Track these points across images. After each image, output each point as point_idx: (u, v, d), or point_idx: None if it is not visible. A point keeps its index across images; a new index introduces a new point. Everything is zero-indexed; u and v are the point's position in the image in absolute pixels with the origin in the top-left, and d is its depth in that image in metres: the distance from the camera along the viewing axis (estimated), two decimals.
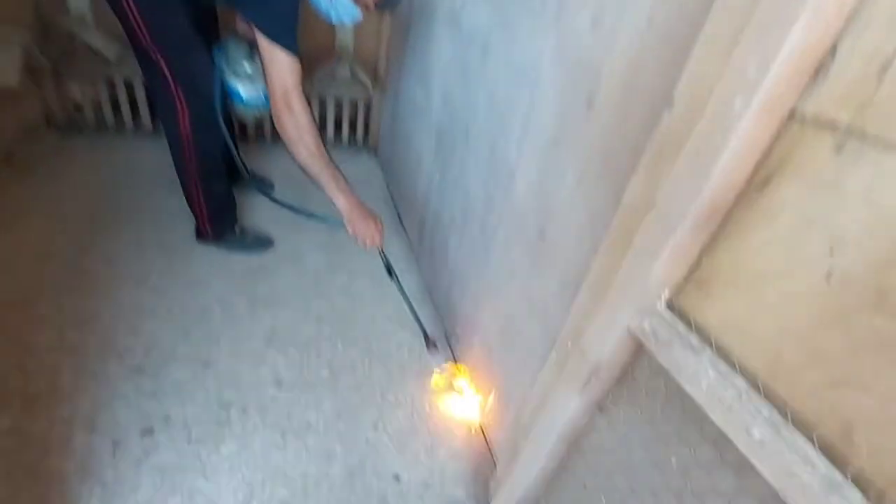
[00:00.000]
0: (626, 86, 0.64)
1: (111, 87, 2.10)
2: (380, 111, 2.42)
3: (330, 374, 1.31)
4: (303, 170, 1.27)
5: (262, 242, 1.69)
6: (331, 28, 2.25)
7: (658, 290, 0.54)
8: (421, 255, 1.74)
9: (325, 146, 1.28)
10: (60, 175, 1.86)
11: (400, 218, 2.01)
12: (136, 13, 1.14)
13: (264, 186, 1.93)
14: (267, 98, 1.30)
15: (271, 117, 1.24)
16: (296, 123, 1.19)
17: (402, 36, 1.95)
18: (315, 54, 2.32)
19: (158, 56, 1.22)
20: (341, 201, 1.30)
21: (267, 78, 1.17)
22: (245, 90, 1.40)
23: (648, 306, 0.55)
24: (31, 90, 1.94)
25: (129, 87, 2.11)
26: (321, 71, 2.28)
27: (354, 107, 2.47)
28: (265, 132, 2.40)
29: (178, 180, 1.48)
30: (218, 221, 1.58)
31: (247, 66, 1.39)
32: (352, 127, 2.55)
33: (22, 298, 1.34)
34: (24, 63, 1.74)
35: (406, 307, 1.44)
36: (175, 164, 1.45)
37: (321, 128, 2.49)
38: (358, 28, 2.28)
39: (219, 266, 1.57)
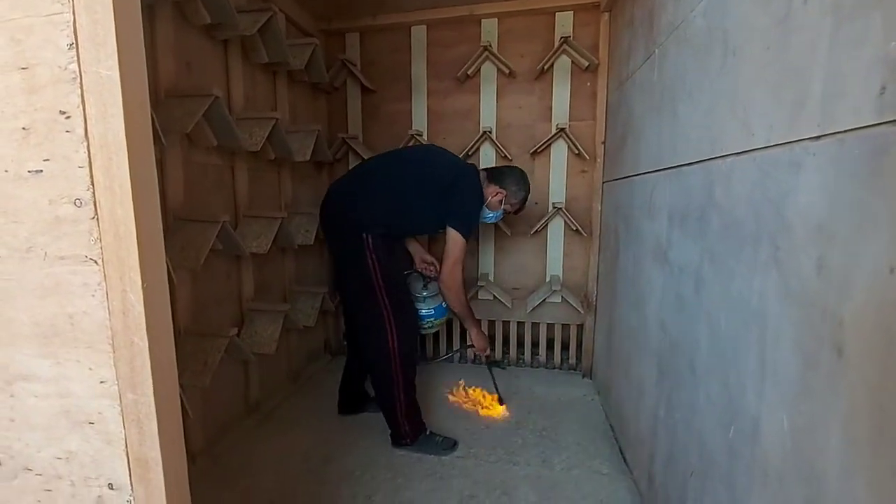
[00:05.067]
0: (884, 335, 0.53)
1: None
2: (593, 334, 2.44)
3: None
4: (453, 310, 1.92)
5: (451, 443, 1.84)
6: (541, 258, 2.56)
7: None
8: None
9: (467, 297, 1.96)
10: (326, 390, 2.31)
11: (622, 452, 1.79)
12: (376, 270, 1.68)
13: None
14: (437, 312, 1.98)
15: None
16: (456, 279, 1.80)
17: (612, 264, 2.07)
18: (528, 283, 2.61)
19: (383, 293, 1.70)
20: (473, 331, 2.00)
21: (447, 252, 1.76)
22: (422, 308, 1.96)
23: None
24: (319, 326, 2.63)
25: None
26: (533, 297, 2.51)
27: (566, 330, 2.56)
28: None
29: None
30: (415, 425, 1.82)
31: (424, 292, 1.97)
32: (564, 349, 2.60)
33: (279, 496, 1.58)
34: (320, 308, 2.42)
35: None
36: (382, 382, 1.77)
37: (534, 351, 2.62)
38: (567, 256, 2.53)
39: (433, 496, 1.60)
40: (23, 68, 0.63)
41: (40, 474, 0.74)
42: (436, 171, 1.79)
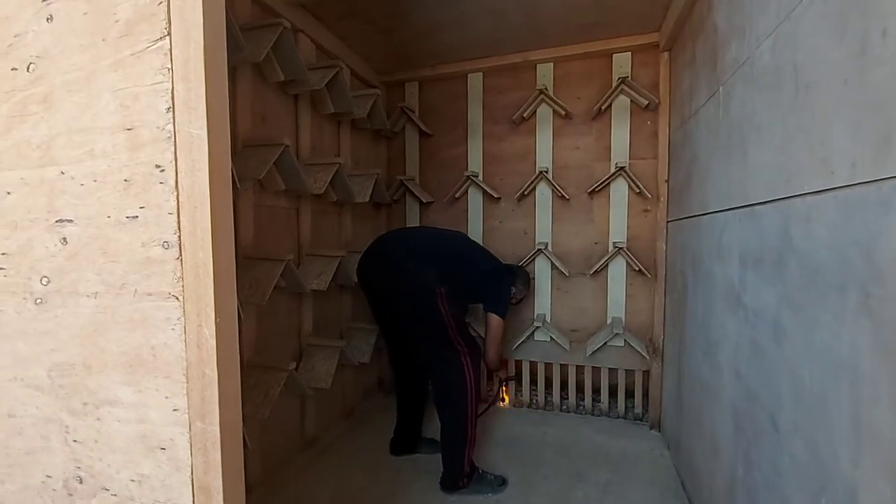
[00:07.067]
0: None
1: None
2: (661, 382, 2.28)
3: None
4: (487, 360, 2.13)
5: (501, 480, 1.87)
6: (601, 299, 2.46)
7: None
8: None
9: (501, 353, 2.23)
10: (380, 427, 2.31)
11: None
12: (450, 319, 1.80)
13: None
14: None
15: None
16: (497, 351, 2.11)
17: (679, 306, 1.95)
18: (587, 325, 2.51)
19: (458, 337, 1.82)
20: (505, 371, 2.41)
21: (493, 334, 2.05)
22: None
23: None
24: (373, 364, 2.65)
25: None
26: (594, 340, 2.40)
27: (631, 376, 2.42)
28: None
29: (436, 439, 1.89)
30: (473, 466, 1.83)
31: None
32: (629, 397, 2.44)
33: None
34: (374, 345, 2.43)
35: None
36: (457, 418, 1.78)
37: (595, 398, 2.49)
38: (630, 298, 2.42)
39: None
40: (128, 129, 0.73)
41: (115, 495, 0.79)
42: (483, 264, 2.11)
